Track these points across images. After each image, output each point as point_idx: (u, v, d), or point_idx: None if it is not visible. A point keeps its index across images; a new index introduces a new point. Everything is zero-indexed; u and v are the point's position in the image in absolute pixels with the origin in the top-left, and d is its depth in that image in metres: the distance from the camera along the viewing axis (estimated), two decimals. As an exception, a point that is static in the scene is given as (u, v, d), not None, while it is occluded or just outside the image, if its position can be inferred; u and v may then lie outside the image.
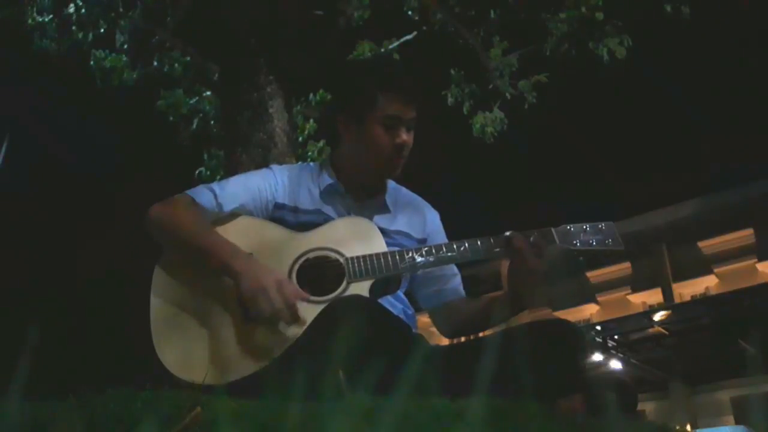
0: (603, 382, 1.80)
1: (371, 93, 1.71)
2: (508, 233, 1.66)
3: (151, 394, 0.97)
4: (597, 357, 11.82)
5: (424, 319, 2.02)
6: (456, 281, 1.87)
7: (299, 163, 1.97)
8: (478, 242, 1.66)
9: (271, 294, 1.45)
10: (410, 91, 1.75)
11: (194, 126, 7.06)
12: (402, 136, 1.73)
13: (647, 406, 15.42)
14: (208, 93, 6.90)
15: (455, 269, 1.88)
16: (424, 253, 1.64)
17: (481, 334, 1.85)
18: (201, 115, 7.08)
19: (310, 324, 1.48)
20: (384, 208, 1.82)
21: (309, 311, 1.51)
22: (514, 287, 1.68)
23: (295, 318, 1.46)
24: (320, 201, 1.77)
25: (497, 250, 1.66)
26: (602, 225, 1.71)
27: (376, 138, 1.71)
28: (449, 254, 1.65)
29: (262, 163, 4.54)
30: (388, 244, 1.66)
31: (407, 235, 1.81)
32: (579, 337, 1.64)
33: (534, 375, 1.28)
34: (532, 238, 1.64)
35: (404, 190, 1.92)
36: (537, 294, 1.74)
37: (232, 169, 4.70)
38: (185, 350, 1.50)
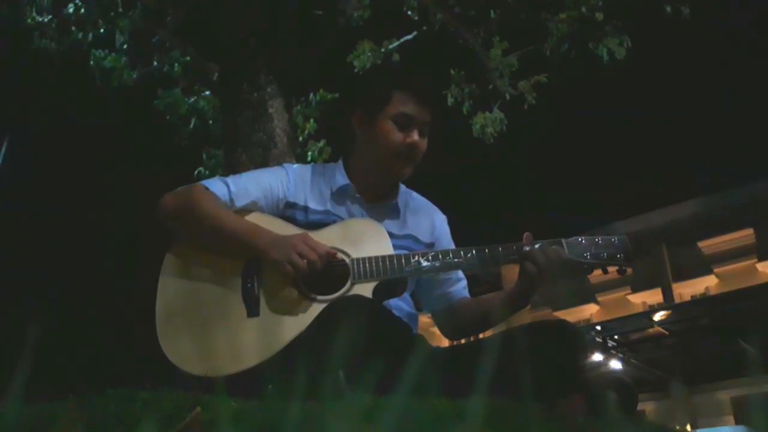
0: (603, 382, 1.80)
1: (386, 90, 1.72)
2: (526, 248, 1.63)
3: (151, 394, 0.97)
4: (597, 357, 11.80)
5: (424, 320, 2.02)
6: (461, 285, 1.88)
7: (312, 163, 1.98)
8: (486, 250, 1.65)
9: (302, 249, 1.51)
10: (426, 93, 1.75)
11: (192, 125, 7.05)
12: (413, 137, 1.72)
13: (647, 406, 15.41)
14: (208, 93, 6.89)
15: (460, 273, 1.88)
16: (430, 257, 1.63)
17: (481, 335, 1.85)
18: (199, 114, 7.07)
19: (312, 323, 1.48)
20: (394, 212, 1.82)
21: (311, 310, 1.51)
22: (522, 291, 1.68)
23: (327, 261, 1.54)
24: (331, 202, 1.77)
25: (506, 258, 1.64)
26: (615, 239, 1.68)
27: (386, 134, 1.72)
28: (455, 260, 1.65)
29: (262, 163, 4.54)
30: (397, 247, 1.66)
31: (415, 239, 1.81)
32: (579, 337, 1.64)
33: (534, 375, 1.28)
34: (543, 248, 1.62)
35: (415, 194, 1.92)
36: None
37: (231, 169, 4.69)
38: (187, 342, 1.51)
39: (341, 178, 1.80)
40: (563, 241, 1.66)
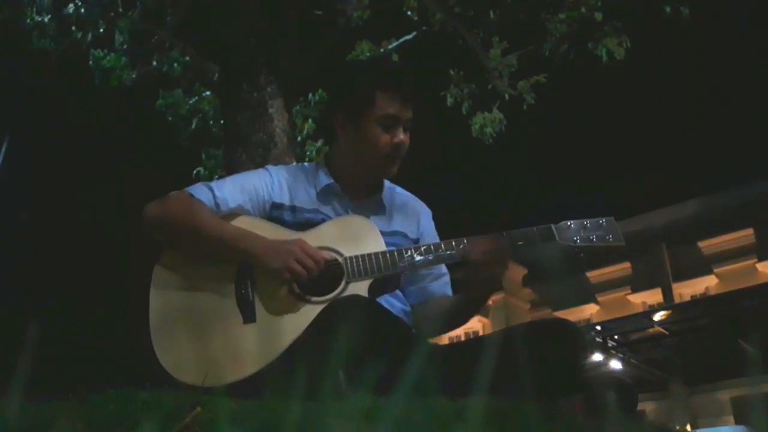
0: (603, 382, 1.80)
1: (369, 92, 1.71)
2: (476, 237, 1.62)
3: (151, 394, 0.97)
4: (597, 357, 11.81)
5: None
6: (443, 280, 1.85)
7: (294, 163, 1.97)
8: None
9: (299, 255, 1.51)
10: (408, 91, 1.74)
11: (193, 126, 7.05)
12: (399, 136, 1.72)
13: (647, 406, 15.42)
14: (208, 93, 6.89)
15: (444, 269, 1.86)
16: (422, 251, 1.63)
17: (480, 334, 1.85)
18: (200, 115, 7.07)
19: (310, 324, 1.48)
20: (380, 208, 1.81)
21: (309, 312, 1.51)
22: (469, 293, 1.69)
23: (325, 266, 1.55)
24: (317, 201, 1.76)
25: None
26: (603, 221, 1.69)
27: (373, 137, 1.71)
28: (448, 252, 1.64)
29: (262, 163, 4.54)
30: (386, 245, 1.65)
31: (403, 235, 1.80)
32: (579, 337, 1.64)
33: (534, 375, 1.28)
34: (492, 247, 1.61)
35: (399, 189, 1.91)
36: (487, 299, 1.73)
37: (231, 169, 4.69)
38: (184, 352, 1.50)
39: (325, 178, 1.78)
40: (552, 226, 1.66)
